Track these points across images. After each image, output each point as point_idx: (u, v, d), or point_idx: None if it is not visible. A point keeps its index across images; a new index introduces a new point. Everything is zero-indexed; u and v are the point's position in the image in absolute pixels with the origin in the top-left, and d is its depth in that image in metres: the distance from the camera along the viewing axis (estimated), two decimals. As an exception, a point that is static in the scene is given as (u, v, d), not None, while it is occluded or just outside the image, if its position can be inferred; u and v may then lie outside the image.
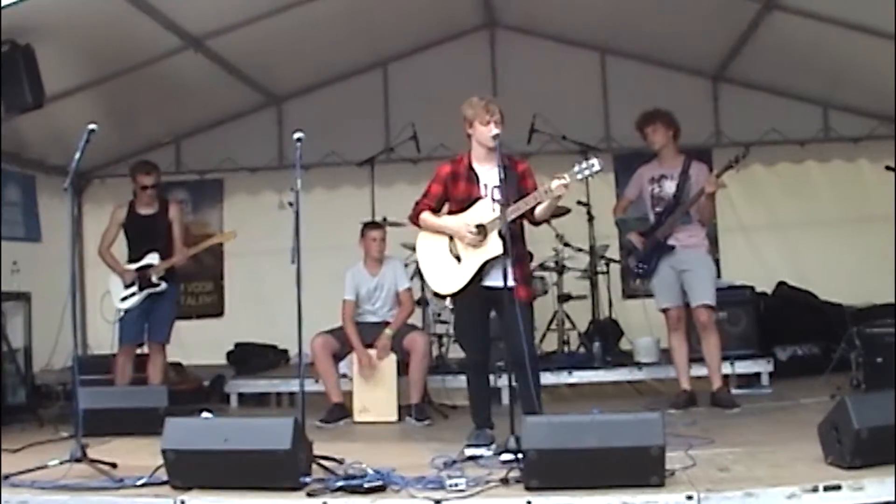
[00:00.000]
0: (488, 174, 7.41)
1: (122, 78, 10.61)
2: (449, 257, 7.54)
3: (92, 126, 6.95)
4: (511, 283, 7.20)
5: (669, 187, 9.29)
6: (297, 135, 6.97)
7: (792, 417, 8.34)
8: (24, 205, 11.90)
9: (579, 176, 7.05)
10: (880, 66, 10.36)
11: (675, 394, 9.40)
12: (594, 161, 7.06)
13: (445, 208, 7.71)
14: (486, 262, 7.28)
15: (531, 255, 8.67)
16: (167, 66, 10.72)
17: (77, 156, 6.92)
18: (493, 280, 7.18)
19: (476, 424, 7.57)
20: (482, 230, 7.31)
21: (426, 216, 7.66)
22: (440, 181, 7.66)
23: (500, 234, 7.12)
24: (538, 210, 7.29)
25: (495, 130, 7.29)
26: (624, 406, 9.44)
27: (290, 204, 6.95)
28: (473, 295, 7.39)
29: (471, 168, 7.52)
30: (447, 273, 7.56)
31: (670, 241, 9.21)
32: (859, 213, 12.65)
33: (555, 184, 7.01)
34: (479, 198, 7.40)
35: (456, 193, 7.57)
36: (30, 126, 9.47)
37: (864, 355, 9.34)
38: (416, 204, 7.73)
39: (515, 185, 7.36)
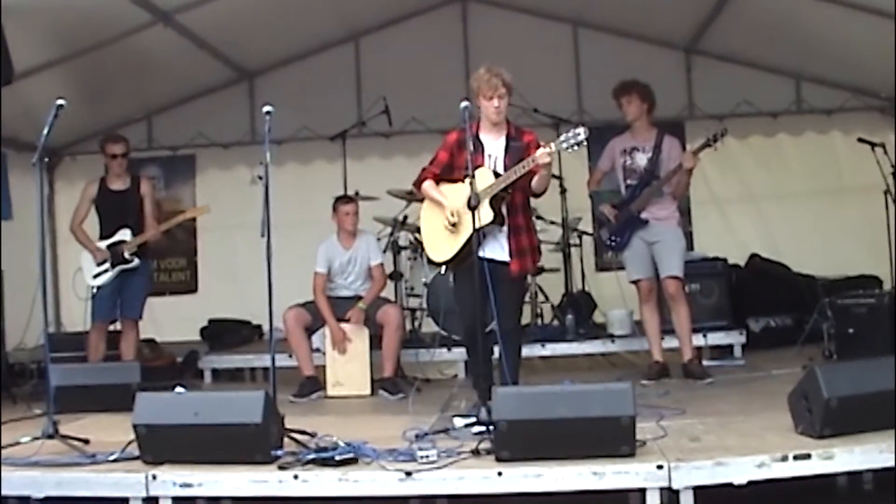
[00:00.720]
0: (493, 144, 7.52)
1: (91, 54, 10.54)
2: (445, 226, 7.61)
3: (60, 101, 6.91)
4: (504, 256, 7.44)
5: (641, 160, 9.29)
6: (266, 108, 6.96)
7: (764, 388, 8.38)
8: (-5, 183, 11.84)
9: (565, 145, 7.11)
10: (853, 38, 10.41)
11: (647, 365, 9.44)
12: (580, 130, 7.10)
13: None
14: (472, 233, 7.24)
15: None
16: (137, 41, 10.64)
17: (45, 130, 6.87)
18: (486, 251, 7.23)
19: (478, 394, 7.58)
20: (476, 198, 7.29)
21: (426, 186, 7.75)
22: (447, 149, 7.72)
23: (490, 203, 7.24)
24: (534, 182, 7.38)
25: (463, 105, 7.28)
26: (597, 378, 9.45)
27: (260, 178, 6.92)
28: (468, 265, 7.34)
29: (477, 137, 7.56)
30: (441, 241, 7.66)
31: (643, 215, 9.22)
32: (832, 185, 12.73)
33: (539, 153, 7.09)
34: (479, 167, 7.39)
35: (461, 162, 7.56)
36: (-1, 103, 9.42)
37: (836, 326, 9.42)
38: (423, 170, 7.82)
39: (520, 155, 7.41)
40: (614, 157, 9.46)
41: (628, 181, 9.36)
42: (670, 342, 9.56)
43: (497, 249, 7.42)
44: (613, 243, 9.44)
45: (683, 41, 12.73)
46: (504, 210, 7.44)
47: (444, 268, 8.17)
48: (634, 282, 9.38)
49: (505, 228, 7.49)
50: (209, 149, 13.43)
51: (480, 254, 7.12)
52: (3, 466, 6.06)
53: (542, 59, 12.63)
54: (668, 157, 9.18)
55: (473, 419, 6.82)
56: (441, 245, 7.66)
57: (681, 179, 9.12)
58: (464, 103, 7.19)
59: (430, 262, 8.32)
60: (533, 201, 8.28)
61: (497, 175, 7.34)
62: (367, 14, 12.85)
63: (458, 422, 6.96)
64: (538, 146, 7.41)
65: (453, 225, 7.51)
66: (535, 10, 12.96)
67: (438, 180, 7.73)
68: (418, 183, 7.83)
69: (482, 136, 7.56)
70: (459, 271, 7.71)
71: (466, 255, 7.36)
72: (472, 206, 7.00)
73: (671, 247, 9.17)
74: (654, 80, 9.54)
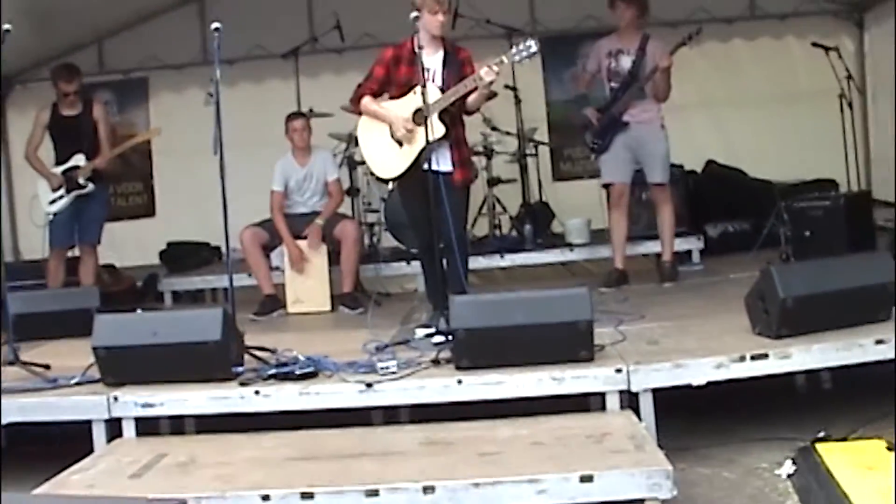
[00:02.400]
0: (431, 59, 7.42)
1: (37, -24, 10.39)
2: (390, 142, 7.56)
3: (6, 26, 6.77)
4: (447, 166, 7.40)
5: (625, 62, 9.19)
6: (214, 25, 6.86)
7: (722, 292, 8.43)
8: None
9: (517, 58, 7.10)
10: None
11: (607, 272, 9.47)
12: (531, 42, 7.07)
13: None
14: (425, 147, 7.22)
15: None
16: (84, -38, 10.50)
17: (-7, 55, 6.79)
18: (433, 164, 7.17)
19: (433, 305, 7.60)
20: (420, 114, 7.28)
21: (366, 101, 7.67)
22: (383, 64, 7.63)
23: (439, 118, 7.20)
24: (469, 99, 7.35)
25: (413, 15, 7.21)
26: (556, 287, 9.51)
27: (212, 95, 6.87)
28: (416, 179, 7.36)
29: (414, 53, 7.42)
30: (389, 158, 7.61)
31: (625, 118, 9.18)
32: (787, 90, 12.74)
33: (483, 71, 7.07)
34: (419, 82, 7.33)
35: (398, 77, 7.55)
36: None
37: (793, 230, 9.45)
38: (358, 87, 7.74)
39: (458, 71, 7.40)
40: (600, 59, 9.36)
41: (612, 84, 9.27)
42: (631, 249, 9.62)
43: (441, 162, 7.37)
44: (595, 146, 9.35)
45: (636, -53, 12.59)
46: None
47: (390, 183, 8.14)
48: (606, 185, 9.37)
49: (447, 141, 7.46)
50: (162, 71, 13.30)
51: (426, 166, 7.07)
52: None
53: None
54: (651, 59, 9.05)
55: (433, 329, 6.85)
56: (389, 161, 7.62)
57: (660, 80, 9.08)
58: (414, 13, 7.14)
59: (377, 178, 8.30)
60: (487, 112, 8.27)
61: (442, 90, 7.29)
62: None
63: (419, 332, 7.02)
64: (472, 63, 7.44)
65: (399, 142, 7.49)
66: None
67: (376, 96, 7.69)
68: (356, 99, 7.76)
69: (419, 52, 7.48)
70: (406, 186, 7.73)
71: (415, 169, 7.36)
72: (424, 119, 7.01)
73: (655, 151, 9.17)
74: (607, -13, 9.47)
